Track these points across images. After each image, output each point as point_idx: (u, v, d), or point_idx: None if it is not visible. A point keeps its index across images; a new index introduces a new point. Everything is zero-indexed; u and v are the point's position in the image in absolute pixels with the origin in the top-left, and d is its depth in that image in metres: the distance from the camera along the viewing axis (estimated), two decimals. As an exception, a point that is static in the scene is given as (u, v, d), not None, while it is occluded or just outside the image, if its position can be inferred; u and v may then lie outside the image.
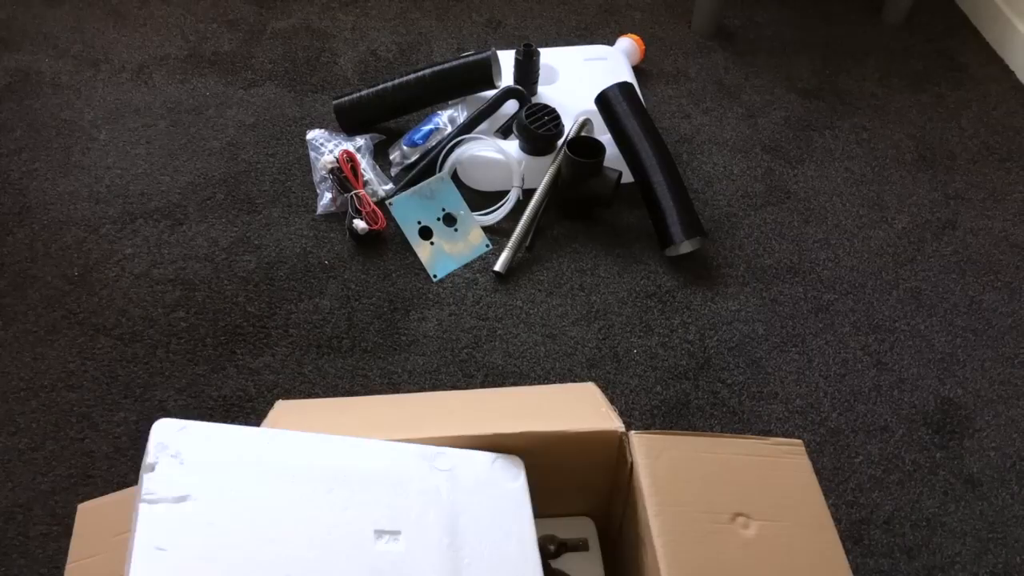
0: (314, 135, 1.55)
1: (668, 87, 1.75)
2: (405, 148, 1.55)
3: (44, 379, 1.25)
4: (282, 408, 0.95)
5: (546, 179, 1.47)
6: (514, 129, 1.50)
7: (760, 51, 1.85)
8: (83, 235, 1.43)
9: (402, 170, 1.54)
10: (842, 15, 1.95)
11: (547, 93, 1.61)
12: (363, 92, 1.57)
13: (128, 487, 1.14)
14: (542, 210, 1.46)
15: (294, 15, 1.88)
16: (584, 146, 1.44)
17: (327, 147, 1.52)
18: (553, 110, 1.48)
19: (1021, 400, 1.27)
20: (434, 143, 1.54)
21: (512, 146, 1.50)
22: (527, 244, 1.43)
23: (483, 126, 1.54)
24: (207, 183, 1.52)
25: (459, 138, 1.51)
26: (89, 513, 0.91)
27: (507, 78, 1.60)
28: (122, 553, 0.74)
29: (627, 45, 1.75)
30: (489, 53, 1.53)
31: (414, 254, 1.42)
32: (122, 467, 1.16)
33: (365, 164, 1.50)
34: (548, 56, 1.61)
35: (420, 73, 1.55)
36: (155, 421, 0.72)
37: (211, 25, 1.85)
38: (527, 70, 1.57)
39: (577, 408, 0.98)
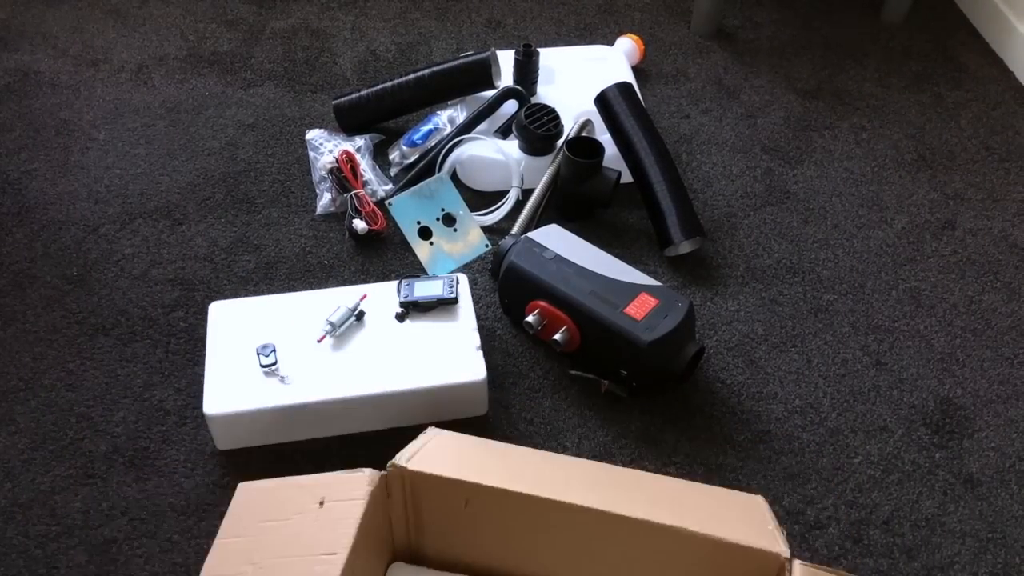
0: (313, 135, 1.55)
1: (667, 87, 1.75)
2: (404, 148, 1.55)
3: (44, 379, 1.25)
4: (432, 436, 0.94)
5: (545, 178, 1.47)
6: (513, 129, 1.50)
7: (759, 51, 1.85)
8: (82, 235, 1.43)
9: (401, 170, 1.54)
10: (842, 15, 1.95)
11: (547, 93, 1.61)
12: (363, 92, 1.57)
13: (129, 491, 1.14)
14: (541, 210, 1.46)
15: (293, 15, 1.88)
16: (583, 146, 1.44)
17: (326, 147, 1.52)
18: (552, 110, 1.48)
19: (1021, 400, 1.27)
20: (433, 143, 1.54)
21: (511, 146, 1.50)
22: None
23: (483, 126, 1.54)
24: (206, 183, 1.52)
25: (458, 138, 1.51)
26: (247, 493, 0.90)
27: (507, 78, 1.60)
28: (264, 539, 0.78)
29: (627, 45, 1.75)
30: (488, 53, 1.53)
31: (414, 254, 1.42)
32: (122, 467, 1.16)
33: (365, 164, 1.50)
34: (548, 56, 1.61)
35: (419, 73, 1.55)
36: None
37: (210, 25, 1.85)
38: (527, 70, 1.57)
39: (740, 517, 0.89)
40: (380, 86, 1.57)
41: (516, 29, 1.88)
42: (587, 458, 1.18)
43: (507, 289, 1.30)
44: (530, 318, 1.24)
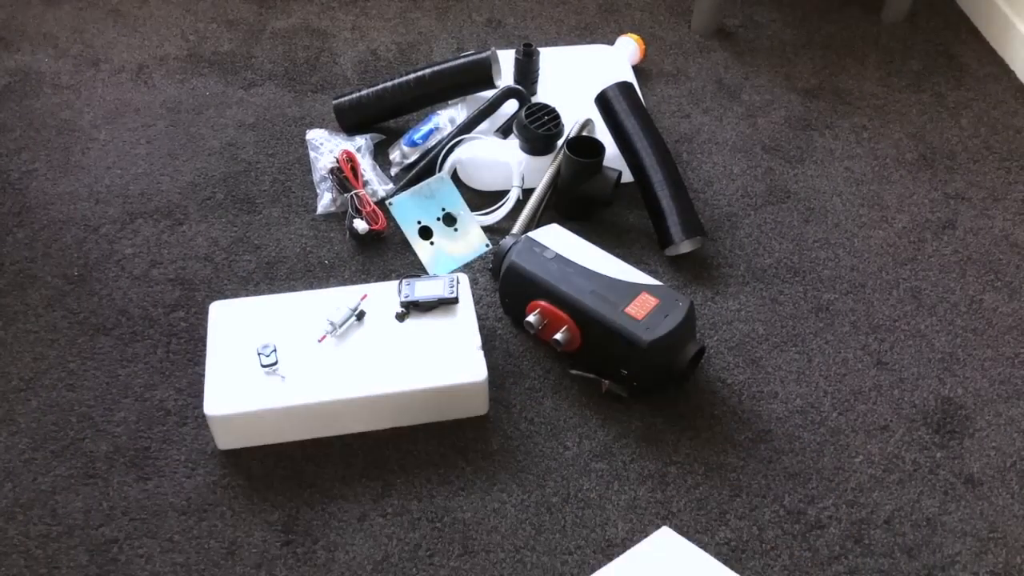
0: (314, 135, 1.55)
1: (668, 87, 1.75)
2: (405, 148, 1.55)
3: (44, 379, 1.25)
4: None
5: (545, 178, 1.47)
6: (514, 128, 1.50)
7: (760, 51, 1.85)
8: (83, 235, 1.43)
9: (402, 170, 1.54)
10: (842, 14, 1.95)
11: (547, 93, 1.61)
12: (363, 92, 1.57)
13: (130, 491, 1.14)
14: (542, 209, 1.46)
15: (294, 15, 1.88)
16: (584, 146, 1.44)
17: (327, 147, 1.52)
18: (553, 109, 1.48)
19: (1021, 400, 1.27)
20: (434, 143, 1.54)
21: (512, 146, 1.50)
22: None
23: (483, 126, 1.54)
24: (207, 183, 1.52)
25: (459, 138, 1.51)
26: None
27: (507, 78, 1.60)
28: None
29: (627, 45, 1.75)
30: (489, 53, 1.53)
31: (414, 253, 1.42)
32: (122, 467, 1.16)
33: (365, 164, 1.50)
34: (548, 56, 1.61)
35: (420, 73, 1.55)
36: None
37: (211, 25, 1.85)
38: (527, 70, 1.57)
39: None
40: (380, 86, 1.57)
41: (516, 29, 1.88)
42: (587, 458, 1.18)
43: (508, 289, 1.30)
44: (530, 318, 1.24)
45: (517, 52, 1.56)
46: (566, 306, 1.22)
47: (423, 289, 1.25)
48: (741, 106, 1.71)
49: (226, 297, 1.34)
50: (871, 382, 1.28)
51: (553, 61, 1.64)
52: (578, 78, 1.63)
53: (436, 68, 1.55)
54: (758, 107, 1.71)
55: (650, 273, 1.41)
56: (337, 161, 1.47)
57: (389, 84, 1.56)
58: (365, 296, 1.25)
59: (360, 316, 1.23)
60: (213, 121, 1.64)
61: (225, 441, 1.17)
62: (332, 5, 1.91)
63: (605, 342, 1.20)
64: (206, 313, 1.28)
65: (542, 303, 1.23)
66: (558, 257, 1.26)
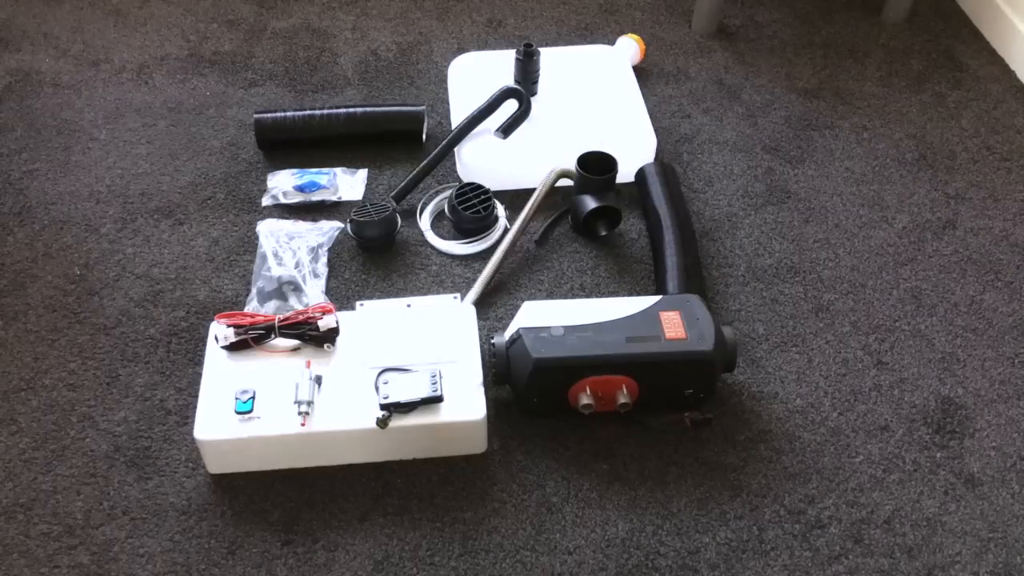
0: (267, 227, 1.42)
1: (668, 87, 1.75)
2: (292, 189, 1.47)
3: (45, 378, 1.25)
4: None
5: (499, 252, 1.38)
6: (445, 210, 1.45)
7: (760, 51, 1.85)
8: (84, 235, 1.44)
9: (276, 206, 1.47)
10: (842, 15, 1.95)
11: (547, 93, 1.61)
12: (289, 113, 1.55)
13: (130, 490, 1.14)
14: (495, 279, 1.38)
15: (294, 15, 1.88)
16: (597, 162, 1.43)
17: (281, 240, 1.40)
18: (487, 191, 1.43)
19: (1021, 400, 1.27)
20: (316, 199, 1.47)
21: (512, 145, 1.50)
22: (536, 240, 1.43)
23: (482, 126, 1.54)
24: (208, 183, 1.53)
25: (459, 139, 1.50)
26: None
27: (507, 78, 1.60)
28: None
29: (628, 45, 1.75)
30: (423, 108, 1.56)
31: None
32: (123, 467, 1.16)
33: (320, 265, 1.39)
34: (548, 56, 1.61)
35: (352, 110, 1.55)
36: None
37: (211, 25, 1.85)
38: (527, 70, 1.57)
39: None
40: (309, 112, 1.55)
41: (517, 29, 1.88)
42: (587, 458, 1.18)
43: (542, 385, 1.17)
44: (584, 400, 1.16)
45: (518, 52, 1.56)
46: (616, 368, 1.16)
47: (403, 389, 1.13)
48: (741, 106, 1.71)
49: (226, 296, 1.34)
50: (871, 382, 1.28)
51: (553, 61, 1.64)
52: (578, 78, 1.63)
53: (369, 109, 1.55)
54: (758, 107, 1.71)
55: (650, 273, 1.41)
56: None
57: (319, 112, 1.55)
58: (309, 363, 1.18)
59: (319, 381, 1.15)
60: (214, 121, 1.64)
61: (216, 466, 1.14)
62: (332, 5, 1.91)
63: (665, 377, 1.17)
64: (207, 313, 1.28)
65: (589, 380, 1.16)
66: (568, 329, 1.18)
